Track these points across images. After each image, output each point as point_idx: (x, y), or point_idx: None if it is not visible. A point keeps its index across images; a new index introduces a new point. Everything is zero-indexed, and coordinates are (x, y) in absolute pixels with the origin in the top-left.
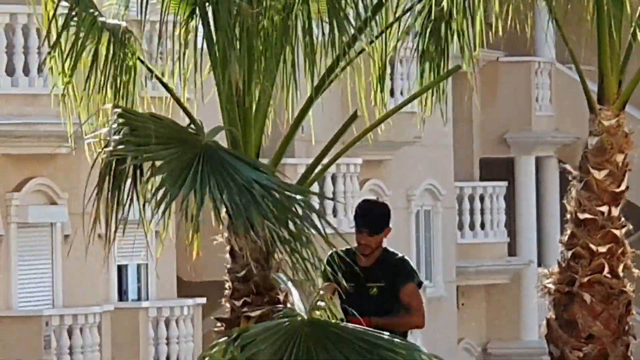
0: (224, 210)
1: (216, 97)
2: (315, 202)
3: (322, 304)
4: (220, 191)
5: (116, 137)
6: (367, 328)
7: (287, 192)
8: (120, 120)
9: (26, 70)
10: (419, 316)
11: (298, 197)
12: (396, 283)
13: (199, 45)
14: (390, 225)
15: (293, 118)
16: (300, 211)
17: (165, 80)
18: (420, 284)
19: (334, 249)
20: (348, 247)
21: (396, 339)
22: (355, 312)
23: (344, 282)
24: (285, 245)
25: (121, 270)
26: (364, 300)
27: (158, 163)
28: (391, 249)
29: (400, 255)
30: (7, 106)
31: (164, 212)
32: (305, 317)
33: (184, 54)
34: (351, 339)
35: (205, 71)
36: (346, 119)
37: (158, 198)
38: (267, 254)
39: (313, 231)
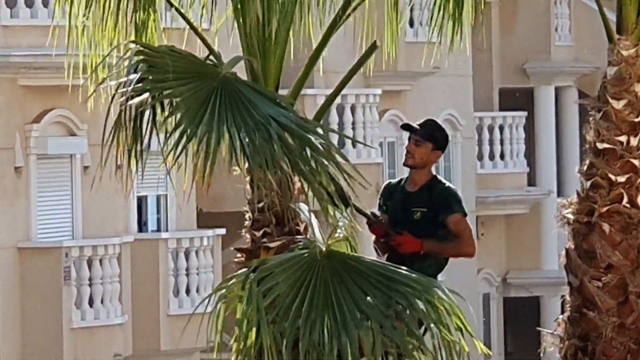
0: (240, 148)
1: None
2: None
3: (340, 235)
4: (238, 129)
5: (134, 75)
6: (385, 262)
7: (303, 130)
8: (138, 57)
9: (45, 2)
10: (470, 246)
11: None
12: (439, 211)
13: None
14: (441, 152)
15: (312, 48)
16: (318, 146)
17: (183, 11)
18: (465, 215)
19: (388, 180)
20: (403, 177)
21: (414, 274)
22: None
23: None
24: (303, 180)
25: (141, 201)
26: (408, 224)
27: (175, 100)
28: (440, 178)
29: (448, 184)
30: (26, 37)
31: (182, 150)
32: (323, 248)
33: None
34: (369, 272)
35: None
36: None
37: (176, 137)
38: (287, 185)
39: (329, 167)
